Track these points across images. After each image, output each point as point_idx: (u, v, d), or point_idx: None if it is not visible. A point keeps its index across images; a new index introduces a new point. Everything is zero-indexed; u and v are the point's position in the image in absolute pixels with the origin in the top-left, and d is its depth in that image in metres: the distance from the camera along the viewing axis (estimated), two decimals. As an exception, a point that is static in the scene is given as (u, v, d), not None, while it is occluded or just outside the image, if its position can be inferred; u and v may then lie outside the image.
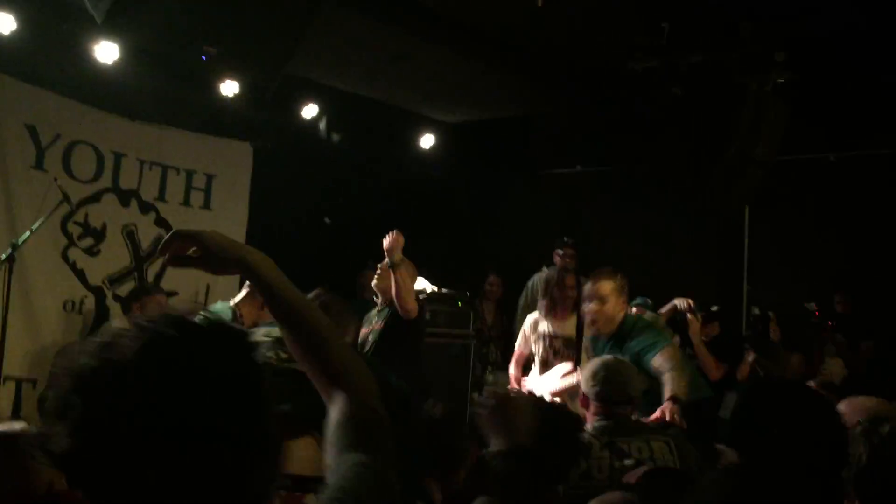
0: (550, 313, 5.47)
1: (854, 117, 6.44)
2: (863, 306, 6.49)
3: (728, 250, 7.24)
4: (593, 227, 7.78)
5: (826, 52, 5.70)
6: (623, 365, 3.59)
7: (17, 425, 2.18)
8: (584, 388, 3.45)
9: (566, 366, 5.36)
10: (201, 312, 3.76)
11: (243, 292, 4.81)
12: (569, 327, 5.53)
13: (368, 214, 7.68)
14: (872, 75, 6.00)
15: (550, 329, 5.50)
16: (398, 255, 5.18)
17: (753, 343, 5.67)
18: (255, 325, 4.68)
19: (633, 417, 3.49)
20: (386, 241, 5.27)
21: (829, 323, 6.16)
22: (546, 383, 5.44)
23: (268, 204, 7.15)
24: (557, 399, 5.32)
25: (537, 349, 5.57)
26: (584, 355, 5.47)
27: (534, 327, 5.64)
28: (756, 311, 5.79)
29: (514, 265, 8.11)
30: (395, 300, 5.11)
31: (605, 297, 4.62)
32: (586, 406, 3.43)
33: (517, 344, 5.83)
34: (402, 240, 5.24)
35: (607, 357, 3.73)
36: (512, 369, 5.80)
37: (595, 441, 3.20)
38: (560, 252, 7.75)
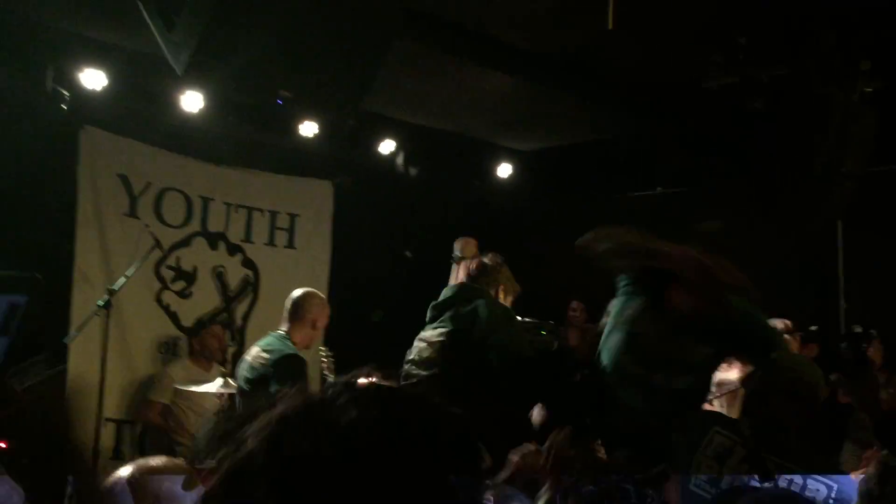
0: None
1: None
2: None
3: (822, 268, 6.97)
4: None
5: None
6: None
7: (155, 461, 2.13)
8: None
9: None
10: (258, 347, 3.78)
11: (291, 319, 4.65)
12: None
13: (449, 246, 7.72)
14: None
15: None
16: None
17: (842, 362, 5.41)
18: (308, 347, 4.67)
19: None
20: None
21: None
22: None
23: (350, 240, 7.27)
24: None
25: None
26: None
27: None
28: (858, 328, 5.52)
29: (598, 291, 7.99)
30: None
31: None
32: None
33: None
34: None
35: None
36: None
37: None
38: None
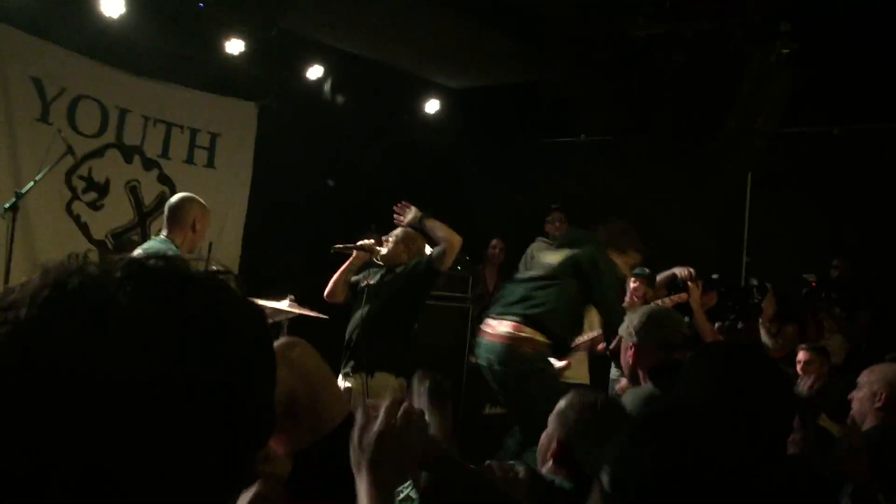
0: None
1: (858, 90, 6.41)
2: (861, 276, 6.51)
3: (728, 222, 7.25)
4: (595, 196, 7.80)
5: (832, 22, 5.66)
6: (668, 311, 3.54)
7: None
8: (634, 337, 3.20)
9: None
10: (138, 250, 3.71)
11: (172, 224, 4.53)
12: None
13: (371, 178, 7.72)
14: (878, 48, 5.97)
15: None
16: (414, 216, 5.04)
17: (740, 312, 5.70)
18: (191, 251, 4.57)
19: None
20: (397, 215, 5.13)
21: (823, 294, 6.17)
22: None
23: (271, 164, 7.20)
24: (559, 360, 5.40)
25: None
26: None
27: None
28: (754, 281, 5.80)
29: (517, 231, 8.15)
30: (445, 248, 4.89)
31: None
32: (635, 357, 3.19)
33: None
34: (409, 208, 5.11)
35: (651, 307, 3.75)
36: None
37: None
38: (548, 218, 7.81)
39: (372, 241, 5.11)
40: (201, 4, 3.07)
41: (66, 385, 0.69)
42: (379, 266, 5.02)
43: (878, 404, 3.29)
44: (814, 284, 6.12)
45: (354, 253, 5.05)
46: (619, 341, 3.44)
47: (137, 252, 4.51)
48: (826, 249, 6.68)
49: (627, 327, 3.23)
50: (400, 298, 4.85)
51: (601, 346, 5.68)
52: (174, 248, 4.41)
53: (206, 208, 4.67)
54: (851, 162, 6.71)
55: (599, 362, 6.20)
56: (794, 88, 5.76)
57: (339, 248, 5.13)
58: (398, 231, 5.08)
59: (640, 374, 3.16)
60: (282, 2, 3.44)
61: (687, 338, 3.38)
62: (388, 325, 4.83)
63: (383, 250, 4.99)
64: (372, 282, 4.96)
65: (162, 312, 0.74)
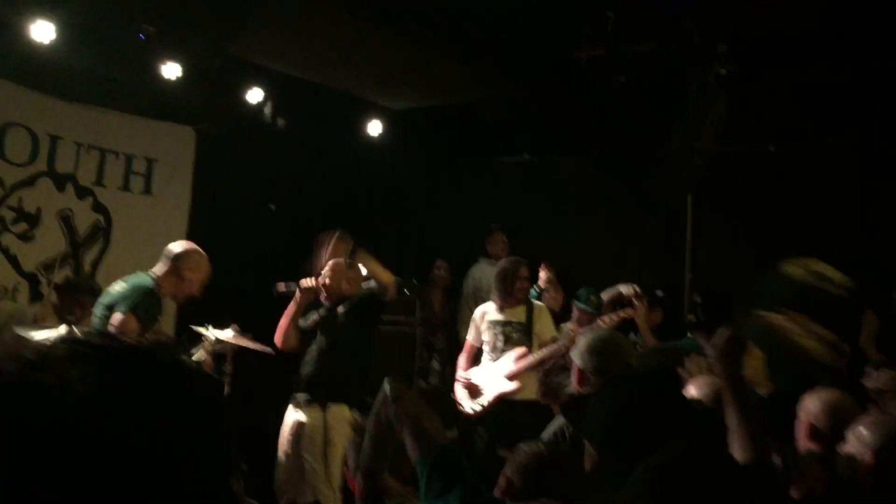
0: (505, 304, 5.59)
1: (792, 109, 6.57)
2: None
3: (671, 239, 7.34)
4: (540, 215, 7.84)
5: (766, 44, 5.80)
6: (619, 336, 3.56)
7: None
8: (578, 361, 3.23)
9: (520, 349, 5.46)
10: (121, 282, 3.74)
11: (163, 265, 4.67)
12: (519, 314, 5.61)
13: (314, 201, 7.62)
14: (809, 68, 6.14)
15: (502, 317, 5.61)
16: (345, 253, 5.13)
17: (692, 330, 5.76)
18: (174, 297, 4.77)
19: None
20: (328, 249, 5.17)
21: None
22: (499, 369, 5.51)
23: (211, 190, 7.04)
24: (513, 383, 5.40)
25: (488, 338, 5.65)
26: (535, 341, 5.57)
27: (483, 317, 5.72)
28: (697, 298, 5.86)
29: (461, 253, 8.13)
30: (381, 287, 5.05)
31: None
32: (582, 385, 3.20)
33: (468, 337, 5.88)
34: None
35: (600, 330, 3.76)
36: (461, 362, 5.85)
37: None
38: (489, 239, 7.83)
39: (312, 281, 5.10)
40: (142, 36, 2.97)
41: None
42: (322, 303, 5.09)
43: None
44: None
45: (298, 294, 5.07)
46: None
47: (120, 285, 4.58)
48: (765, 264, 6.80)
49: (576, 350, 3.29)
50: (352, 331, 4.90)
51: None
52: (155, 284, 4.59)
53: (205, 261, 4.79)
54: (787, 178, 6.86)
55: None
56: (731, 107, 5.87)
57: (283, 290, 5.17)
58: (330, 263, 5.10)
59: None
60: (228, 30, 3.35)
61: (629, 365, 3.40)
62: (344, 357, 4.89)
63: (324, 282, 5.00)
64: (321, 316, 5.02)
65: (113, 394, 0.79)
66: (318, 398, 4.88)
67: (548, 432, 3.12)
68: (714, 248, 7.12)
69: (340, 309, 4.99)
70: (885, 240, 6.39)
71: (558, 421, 3.23)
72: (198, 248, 4.83)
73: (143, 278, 4.62)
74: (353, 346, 4.95)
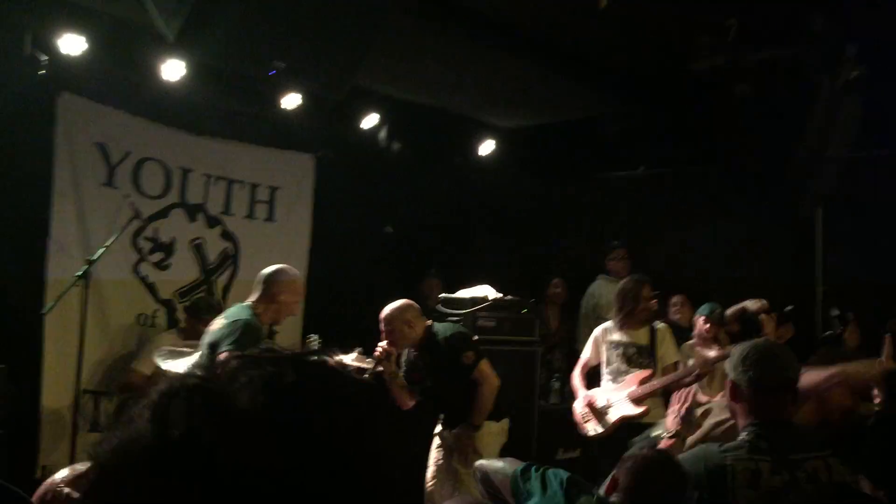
0: (626, 324, 5.48)
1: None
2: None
3: (800, 251, 7.04)
4: (658, 230, 7.67)
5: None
6: (779, 346, 2.96)
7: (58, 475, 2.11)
8: (731, 373, 2.79)
9: (644, 372, 5.35)
10: (221, 318, 3.77)
11: (257, 293, 4.62)
12: (641, 336, 5.49)
13: (430, 222, 7.70)
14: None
15: (624, 338, 5.49)
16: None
17: (828, 345, 5.50)
18: (274, 322, 4.72)
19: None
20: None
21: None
22: (622, 391, 5.40)
23: (331, 214, 7.21)
24: (638, 408, 5.29)
25: (608, 358, 5.55)
26: (659, 364, 5.46)
27: (604, 336, 5.62)
28: (836, 311, 5.60)
29: (578, 269, 8.04)
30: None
31: None
32: (736, 400, 2.72)
33: (584, 353, 5.79)
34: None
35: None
36: (577, 379, 5.76)
37: (761, 462, 2.44)
38: (611, 256, 7.70)
39: (378, 351, 5.03)
40: (272, 72, 3.08)
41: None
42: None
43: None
44: None
45: (381, 369, 5.09)
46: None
47: (220, 322, 4.57)
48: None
49: (730, 361, 2.98)
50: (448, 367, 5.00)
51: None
52: (253, 315, 4.51)
53: (295, 281, 4.75)
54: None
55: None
56: (863, 112, 5.59)
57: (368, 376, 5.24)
58: (382, 318, 4.98)
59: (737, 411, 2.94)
60: (354, 64, 3.44)
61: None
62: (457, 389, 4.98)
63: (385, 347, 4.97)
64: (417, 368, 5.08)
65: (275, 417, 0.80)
66: (460, 420, 5.03)
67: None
68: (847, 260, 6.79)
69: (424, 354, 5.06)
70: None
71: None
72: (287, 268, 4.76)
73: (240, 311, 4.56)
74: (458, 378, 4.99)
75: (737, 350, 2.86)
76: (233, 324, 4.43)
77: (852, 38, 5.24)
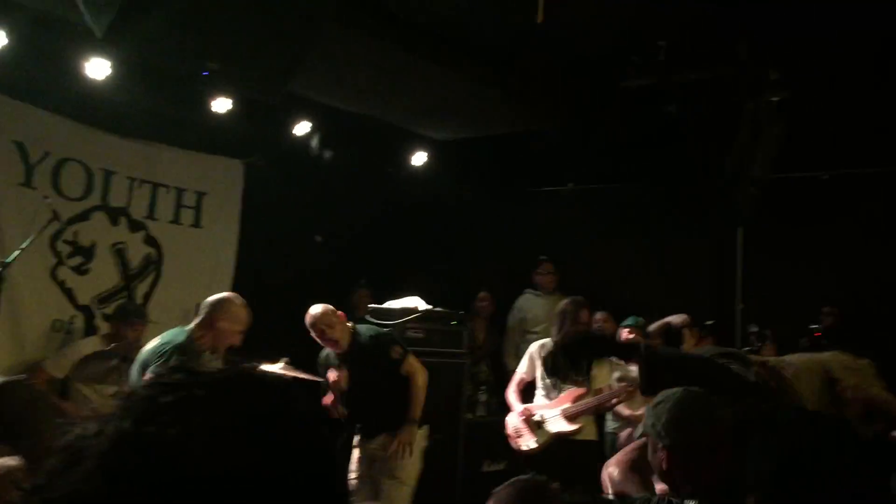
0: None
1: (846, 136, 6.48)
2: (854, 322, 6.50)
3: (721, 268, 7.24)
4: (586, 245, 7.78)
5: (820, 70, 5.73)
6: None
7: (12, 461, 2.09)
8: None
9: (579, 390, 5.44)
10: (156, 339, 3.65)
11: (198, 318, 4.52)
12: (576, 354, 5.59)
13: (360, 232, 7.64)
14: (864, 94, 6.05)
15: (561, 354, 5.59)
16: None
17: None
18: (214, 350, 4.52)
19: None
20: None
21: (824, 342, 6.15)
22: (557, 408, 5.47)
23: (259, 222, 7.09)
24: (572, 425, 5.36)
25: (543, 374, 5.62)
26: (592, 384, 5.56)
27: (540, 352, 5.69)
28: (754, 328, 5.78)
29: (505, 283, 8.09)
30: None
31: None
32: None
33: (520, 368, 5.83)
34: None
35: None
36: (512, 394, 5.79)
37: None
38: (538, 270, 7.80)
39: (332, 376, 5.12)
40: (205, 73, 3.00)
41: None
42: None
43: None
44: (817, 334, 6.09)
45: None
46: None
47: (153, 343, 4.46)
48: (819, 293, 6.69)
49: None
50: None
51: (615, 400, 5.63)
52: (189, 339, 4.42)
53: (239, 311, 4.57)
54: (840, 206, 6.75)
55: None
56: (785, 135, 5.79)
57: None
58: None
59: None
60: (290, 69, 3.39)
61: None
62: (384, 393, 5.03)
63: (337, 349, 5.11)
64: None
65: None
66: (382, 429, 5.07)
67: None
68: (765, 278, 7.01)
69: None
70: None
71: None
72: (233, 297, 4.65)
73: (175, 334, 4.47)
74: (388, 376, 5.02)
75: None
76: (163, 346, 4.35)
77: (776, 63, 5.42)
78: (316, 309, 5.12)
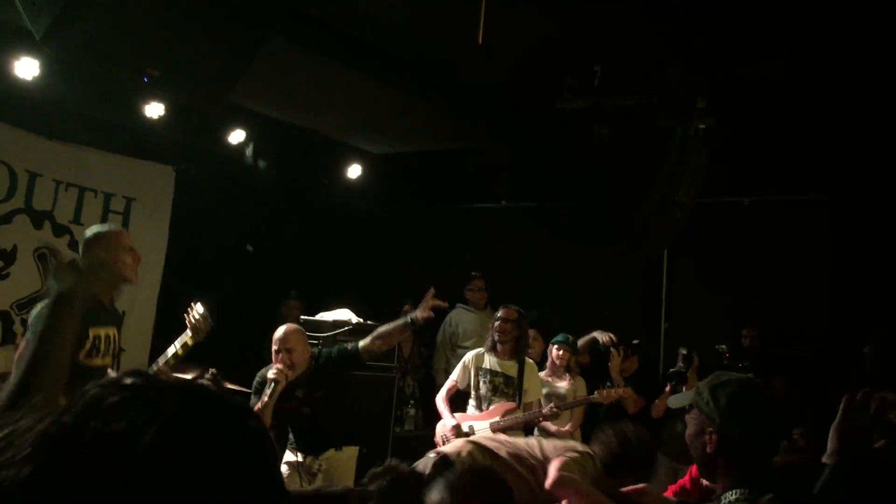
0: (497, 354, 5.64)
1: (766, 163, 6.75)
2: (773, 342, 6.75)
3: (647, 289, 7.44)
4: (516, 262, 7.89)
5: (745, 99, 5.96)
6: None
7: None
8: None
9: (508, 404, 5.50)
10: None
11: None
12: (510, 368, 5.65)
13: (292, 243, 7.59)
14: (787, 123, 6.31)
15: (494, 367, 5.64)
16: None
17: (678, 380, 5.82)
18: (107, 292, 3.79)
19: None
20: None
21: (740, 364, 6.36)
22: (486, 420, 5.51)
23: (189, 229, 6.98)
24: (500, 434, 5.40)
25: (475, 384, 5.66)
26: (524, 398, 5.63)
27: (474, 362, 5.73)
28: (683, 350, 5.96)
29: (438, 294, 8.12)
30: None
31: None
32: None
33: (452, 376, 5.86)
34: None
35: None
36: (442, 401, 5.81)
37: None
38: (469, 286, 7.87)
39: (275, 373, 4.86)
40: (146, 79, 2.96)
41: None
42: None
43: None
44: (727, 354, 6.31)
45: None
46: None
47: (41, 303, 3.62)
48: (740, 314, 6.92)
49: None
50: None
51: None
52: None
53: (117, 235, 3.80)
54: (761, 231, 7.01)
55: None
56: (710, 161, 5.99)
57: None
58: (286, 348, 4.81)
59: None
60: (231, 79, 3.37)
61: None
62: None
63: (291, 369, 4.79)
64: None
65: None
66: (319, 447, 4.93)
67: None
68: (689, 298, 7.23)
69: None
70: (854, 295, 6.53)
71: None
72: (107, 224, 4.34)
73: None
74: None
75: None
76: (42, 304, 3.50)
77: (703, 91, 5.62)
78: (293, 325, 4.97)
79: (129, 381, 0.83)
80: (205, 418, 0.82)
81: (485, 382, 5.64)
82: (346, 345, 5.01)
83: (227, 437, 0.82)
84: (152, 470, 0.75)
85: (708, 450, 2.23)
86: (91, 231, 3.76)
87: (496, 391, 5.60)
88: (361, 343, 4.89)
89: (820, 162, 6.57)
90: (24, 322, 5.98)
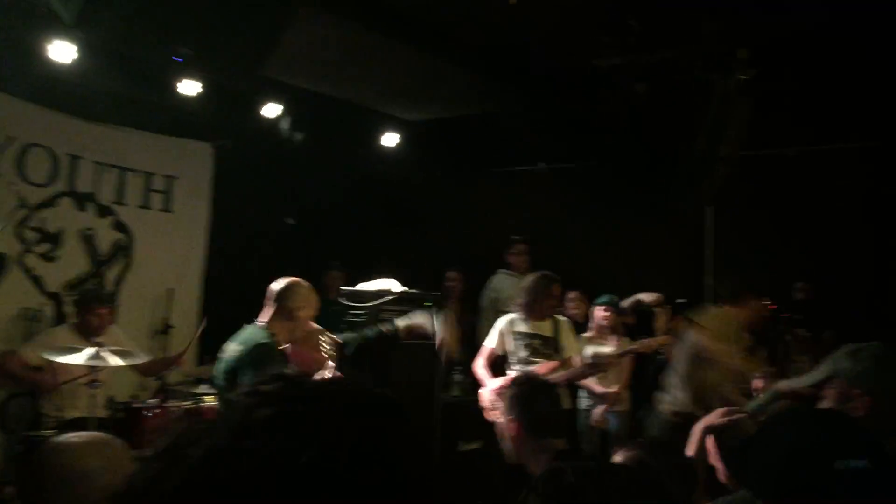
0: (531, 315, 5.61)
1: (812, 113, 6.56)
2: (824, 297, 6.62)
3: (691, 246, 7.33)
4: (556, 225, 7.82)
5: (786, 48, 5.79)
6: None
7: None
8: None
9: (551, 363, 5.50)
10: (233, 343, 3.38)
11: (269, 311, 4.27)
12: (546, 328, 5.63)
13: (332, 214, 7.62)
14: (830, 72, 6.12)
15: (529, 329, 5.63)
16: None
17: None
18: (291, 340, 4.30)
19: None
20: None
21: (789, 315, 6.26)
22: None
23: (230, 205, 7.04)
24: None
25: (514, 349, 5.66)
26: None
27: (509, 327, 5.73)
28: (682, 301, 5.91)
29: (477, 263, 8.11)
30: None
31: None
32: None
33: (489, 343, 5.87)
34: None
35: None
36: (481, 368, 5.84)
37: None
38: (511, 251, 7.82)
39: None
40: (179, 59, 2.95)
41: None
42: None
43: None
44: (772, 307, 6.20)
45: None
46: None
47: (233, 347, 4.19)
48: (787, 270, 6.80)
49: None
50: None
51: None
52: (266, 334, 4.17)
53: (311, 293, 4.35)
54: (807, 183, 6.85)
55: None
56: (753, 113, 5.85)
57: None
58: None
59: None
60: (261, 53, 3.36)
61: None
62: None
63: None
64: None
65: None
66: None
67: None
68: (734, 255, 7.10)
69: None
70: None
71: None
72: (299, 280, 4.40)
73: (253, 333, 4.19)
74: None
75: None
76: (249, 348, 4.08)
77: (744, 42, 5.47)
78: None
79: (276, 388, 0.79)
80: (363, 431, 0.77)
81: (524, 346, 5.64)
82: (380, 327, 4.99)
83: (384, 452, 0.77)
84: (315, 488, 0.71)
85: (859, 413, 2.29)
86: (290, 284, 4.32)
87: (536, 353, 5.60)
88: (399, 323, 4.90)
89: (866, 109, 6.37)
90: (74, 302, 6.09)
